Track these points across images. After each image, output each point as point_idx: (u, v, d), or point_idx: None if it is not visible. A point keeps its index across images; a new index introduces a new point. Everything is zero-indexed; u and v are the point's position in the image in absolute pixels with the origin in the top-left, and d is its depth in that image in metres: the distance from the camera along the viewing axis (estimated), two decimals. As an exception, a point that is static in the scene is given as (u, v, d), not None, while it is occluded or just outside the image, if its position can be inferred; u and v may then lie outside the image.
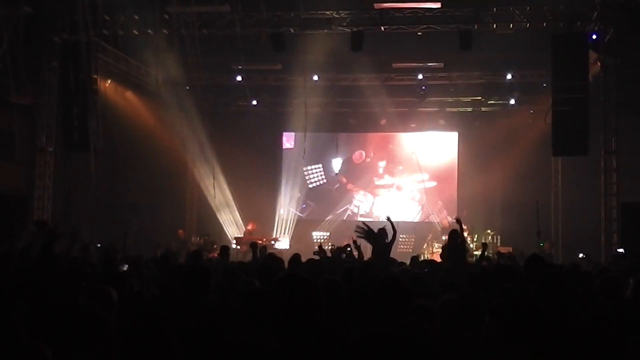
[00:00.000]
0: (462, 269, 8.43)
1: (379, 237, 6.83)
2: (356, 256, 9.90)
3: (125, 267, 8.57)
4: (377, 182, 23.78)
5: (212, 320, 4.73)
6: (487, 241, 18.32)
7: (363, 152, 23.91)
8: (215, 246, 18.42)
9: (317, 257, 10.75)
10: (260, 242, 17.49)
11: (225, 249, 11.84)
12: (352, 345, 2.51)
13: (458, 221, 11.00)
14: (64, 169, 17.67)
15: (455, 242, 10.49)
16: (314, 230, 22.11)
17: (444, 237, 18.81)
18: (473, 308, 4.79)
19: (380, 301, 3.98)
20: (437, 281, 7.22)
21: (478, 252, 15.92)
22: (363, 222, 6.50)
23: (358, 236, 6.52)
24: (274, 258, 9.40)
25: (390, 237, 9.83)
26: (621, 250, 15.16)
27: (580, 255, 15.19)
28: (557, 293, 4.84)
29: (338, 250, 11.88)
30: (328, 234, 21.56)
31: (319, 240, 20.05)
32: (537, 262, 6.25)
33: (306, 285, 3.18)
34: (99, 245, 14.19)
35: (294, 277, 3.27)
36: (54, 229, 7.31)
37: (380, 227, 8.53)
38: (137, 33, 16.96)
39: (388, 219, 10.66)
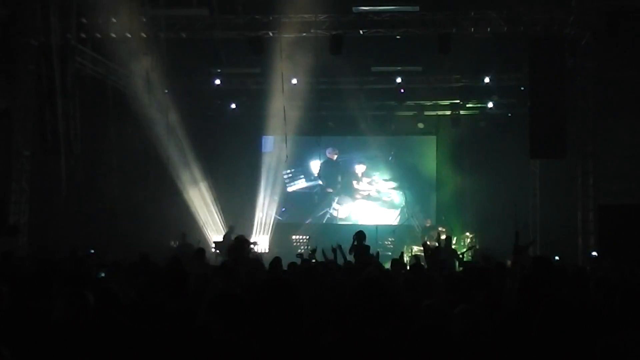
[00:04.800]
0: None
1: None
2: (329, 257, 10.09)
3: (103, 274, 8.52)
4: (356, 185, 23.79)
5: (189, 324, 4.71)
6: (467, 244, 18.44)
7: (336, 149, 23.86)
8: None
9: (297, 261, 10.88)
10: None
11: (202, 251, 11.99)
12: (331, 346, 2.51)
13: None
14: (45, 173, 17.48)
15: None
16: (294, 234, 22.07)
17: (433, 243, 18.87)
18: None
19: (359, 303, 3.94)
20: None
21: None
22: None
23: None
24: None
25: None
26: (594, 253, 15.33)
27: (557, 258, 15.31)
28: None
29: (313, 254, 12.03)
30: (307, 237, 21.49)
31: (299, 242, 19.99)
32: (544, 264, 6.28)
33: (288, 288, 3.18)
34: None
35: (276, 280, 3.28)
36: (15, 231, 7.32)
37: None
38: (115, 36, 16.86)
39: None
